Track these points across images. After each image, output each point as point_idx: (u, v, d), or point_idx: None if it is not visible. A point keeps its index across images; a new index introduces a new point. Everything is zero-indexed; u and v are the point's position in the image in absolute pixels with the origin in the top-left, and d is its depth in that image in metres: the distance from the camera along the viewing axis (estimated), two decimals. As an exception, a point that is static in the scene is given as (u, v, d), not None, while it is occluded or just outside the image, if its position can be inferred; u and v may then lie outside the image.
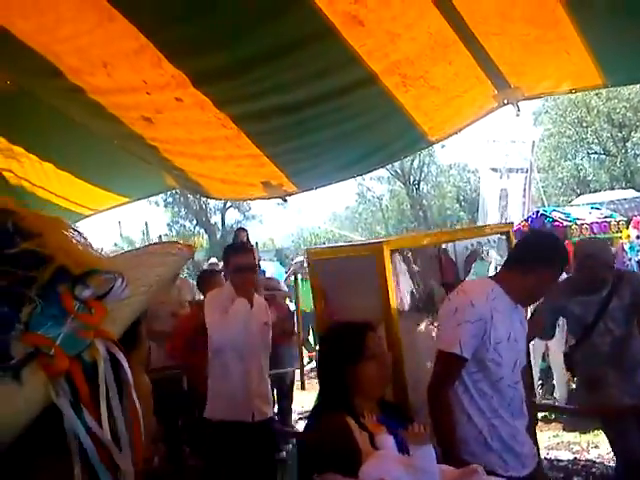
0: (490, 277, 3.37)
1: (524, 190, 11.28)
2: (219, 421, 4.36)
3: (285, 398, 7.38)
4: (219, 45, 3.49)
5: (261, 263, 14.61)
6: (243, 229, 9.06)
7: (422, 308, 4.03)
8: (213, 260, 14.42)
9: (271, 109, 4.14)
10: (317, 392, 3.08)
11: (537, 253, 3.05)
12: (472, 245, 4.52)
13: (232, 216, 35.69)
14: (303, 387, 9.00)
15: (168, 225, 36.14)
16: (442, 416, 2.93)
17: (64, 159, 5.90)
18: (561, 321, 7.07)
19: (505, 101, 4.17)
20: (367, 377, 2.64)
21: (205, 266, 15.27)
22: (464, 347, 2.87)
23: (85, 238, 0.89)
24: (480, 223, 12.42)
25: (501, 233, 4.63)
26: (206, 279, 6.31)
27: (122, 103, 4.23)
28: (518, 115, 4.26)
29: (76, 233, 0.89)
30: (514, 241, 4.29)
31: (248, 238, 8.06)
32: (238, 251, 4.69)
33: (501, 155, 11.61)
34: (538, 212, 7.92)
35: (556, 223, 7.44)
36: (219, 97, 3.97)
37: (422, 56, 3.74)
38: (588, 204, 10.55)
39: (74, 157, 5.86)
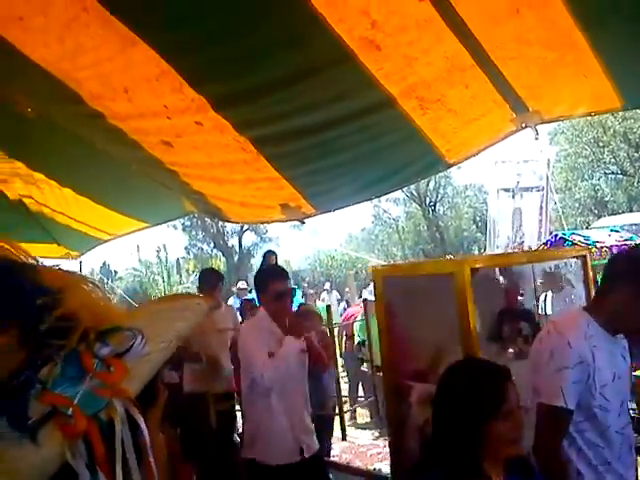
0: (583, 308, 2.96)
1: (540, 208, 11.22)
2: (268, 465, 4.10)
3: (326, 427, 7.00)
4: (239, 70, 3.53)
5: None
6: (273, 252, 8.75)
7: (490, 336, 3.80)
8: (242, 284, 14.46)
9: (290, 132, 4.18)
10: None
11: (623, 269, 2.72)
12: (550, 269, 4.29)
13: (249, 239, 35.96)
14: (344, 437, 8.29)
15: (186, 248, 36.41)
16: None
17: (83, 185, 5.97)
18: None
19: (523, 125, 4.17)
20: (502, 436, 2.18)
21: (234, 289, 15.28)
22: (568, 398, 2.55)
23: (104, 291, 0.90)
24: (489, 245, 12.37)
25: (577, 257, 4.31)
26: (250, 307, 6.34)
27: (142, 128, 4.28)
28: (537, 139, 4.26)
29: (94, 287, 0.89)
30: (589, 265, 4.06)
31: (276, 261, 7.99)
32: (277, 276, 4.42)
33: (512, 175, 11.58)
34: (557, 235, 7.87)
35: (575, 246, 7.38)
36: (239, 121, 4.00)
37: (439, 79, 3.75)
38: (607, 227, 10.47)
39: (93, 182, 5.92)
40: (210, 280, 6.60)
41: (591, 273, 6.87)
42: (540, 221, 11.17)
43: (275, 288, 4.26)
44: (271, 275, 4.50)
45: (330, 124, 4.07)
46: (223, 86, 3.73)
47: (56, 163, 5.51)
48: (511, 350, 3.78)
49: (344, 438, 8.14)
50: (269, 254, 8.21)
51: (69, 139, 4.82)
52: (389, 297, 3.80)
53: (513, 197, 11.61)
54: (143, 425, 0.80)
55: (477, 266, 3.45)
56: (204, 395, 5.70)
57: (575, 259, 4.30)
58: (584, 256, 4.25)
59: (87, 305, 0.83)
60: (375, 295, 4.13)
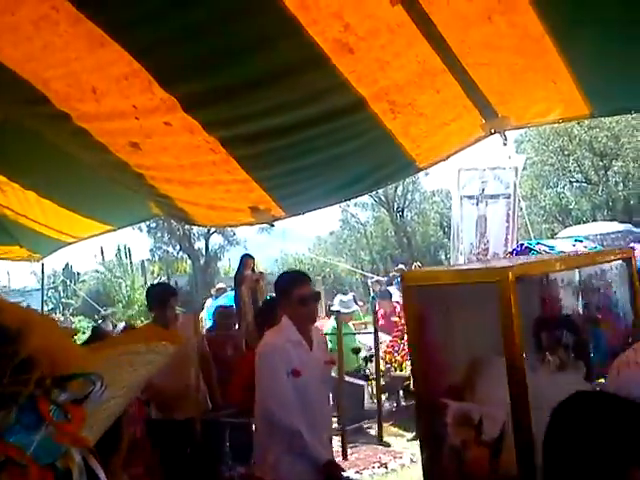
0: None
1: (507, 215, 11.31)
2: None
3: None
4: (211, 69, 3.50)
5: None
6: (250, 256, 8.39)
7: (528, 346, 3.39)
8: (220, 285, 14.40)
9: (261, 133, 4.14)
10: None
11: None
12: (596, 274, 4.04)
13: (216, 241, 35.69)
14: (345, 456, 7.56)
15: (151, 250, 36.02)
16: None
17: (47, 188, 5.89)
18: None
19: (492, 130, 4.20)
20: None
21: (213, 291, 15.03)
22: None
23: (64, 330, 0.85)
24: (452, 251, 12.45)
25: (623, 259, 4.11)
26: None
27: (110, 129, 4.21)
28: (505, 144, 4.29)
29: (53, 325, 0.84)
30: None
31: (254, 265, 7.86)
32: (302, 281, 4.20)
33: (476, 182, 11.66)
34: (523, 245, 7.90)
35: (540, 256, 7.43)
36: (209, 121, 3.95)
37: (410, 83, 3.76)
38: (572, 237, 10.59)
39: (57, 185, 5.84)
40: (160, 297, 5.86)
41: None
42: (507, 227, 11.26)
43: (300, 293, 4.05)
44: (295, 280, 4.25)
45: (301, 126, 4.05)
46: (194, 85, 3.69)
47: (19, 166, 5.42)
48: (552, 360, 3.48)
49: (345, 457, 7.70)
50: (247, 258, 8.01)
51: (33, 142, 4.75)
52: (421, 307, 3.46)
53: (477, 204, 11.69)
54: (102, 475, 0.75)
55: (522, 273, 3.20)
56: (172, 421, 5.55)
57: (620, 261, 4.10)
58: (628, 258, 4.05)
59: (46, 348, 0.78)
60: (405, 304, 3.83)
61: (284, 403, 3.84)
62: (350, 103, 3.83)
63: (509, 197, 11.36)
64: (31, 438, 0.72)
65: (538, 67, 3.64)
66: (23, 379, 0.76)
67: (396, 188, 32.35)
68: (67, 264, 31.43)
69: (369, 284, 14.58)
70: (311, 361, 3.97)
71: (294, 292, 4.06)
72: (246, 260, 7.76)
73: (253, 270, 7.32)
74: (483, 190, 11.61)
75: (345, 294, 12.62)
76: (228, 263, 38.80)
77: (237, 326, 7.80)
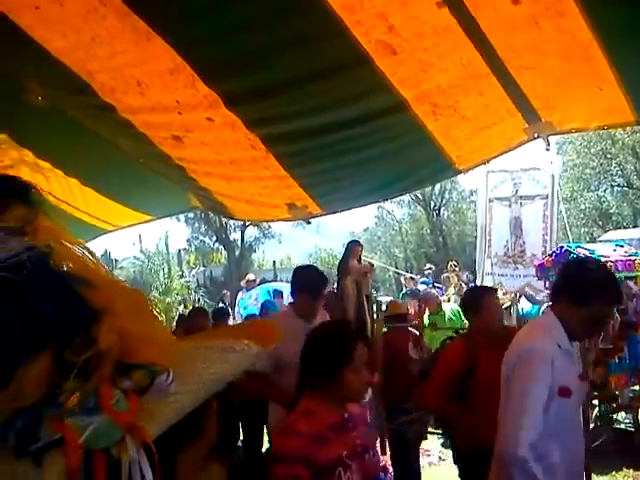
0: None
1: (544, 217, 11.15)
2: None
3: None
4: (253, 67, 3.51)
5: (279, 284, 14.64)
6: (358, 243, 7.13)
7: None
8: (251, 276, 14.40)
9: (301, 131, 4.17)
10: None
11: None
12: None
13: (251, 233, 35.85)
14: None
15: (188, 240, 36.34)
16: None
17: (89, 176, 5.96)
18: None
19: (535, 135, 4.15)
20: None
21: (243, 283, 14.98)
22: None
23: (150, 312, 0.86)
24: (479, 254, 12.29)
25: None
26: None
27: (153, 122, 4.27)
28: (548, 149, 4.25)
29: (141, 304, 0.85)
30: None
31: (361, 253, 6.79)
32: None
33: (509, 184, 11.53)
34: (562, 247, 7.82)
35: (579, 260, 7.35)
36: (250, 118, 3.99)
37: (453, 86, 3.74)
38: (613, 241, 10.44)
39: (99, 174, 5.92)
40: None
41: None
42: (544, 229, 11.10)
43: None
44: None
45: (341, 125, 4.06)
46: (236, 83, 3.72)
47: (63, 153, 5.50)
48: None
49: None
50: (354, 244, 6.80)
51: (77, 129, 4.81)
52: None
53: (510, 206, 11.55)
54: (147, 469, 0.76)
55: None
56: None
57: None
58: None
59: (123, 335, 0.80)
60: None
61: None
62: (392, 104, 3.82)
63: (546, 198, 11.18)
64: (90, 420, 0.73)
65: (584, 73, 3.59)
66: (94, 364, 0.78)
67: (434, 186, 32.12)
68: (106, 250, 31.88)
69: (402, 281, 14.50)
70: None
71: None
72: (353, 247, 6.54)
73: (360, 260, 6.26)
74: (517, 192, 11.46)
75: (377, 291, 12.61)
76: (262, 255, 39.04)
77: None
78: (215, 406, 0.93)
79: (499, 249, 11.62)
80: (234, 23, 3.19)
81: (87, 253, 0.88)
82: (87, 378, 0.76)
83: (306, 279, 4.33)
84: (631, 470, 6.24)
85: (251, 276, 14.82)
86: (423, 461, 7.26)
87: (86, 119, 4.67)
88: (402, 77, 3.59)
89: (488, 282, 11.11)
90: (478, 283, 11.64)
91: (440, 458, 7.27)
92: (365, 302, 5.97)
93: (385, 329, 6.23)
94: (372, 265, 7.30)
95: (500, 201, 11.71)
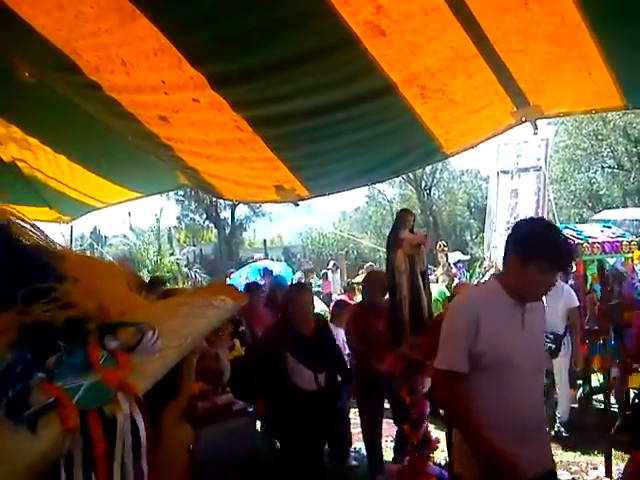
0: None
1: (537, 189, 11.17)
2: None
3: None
4: (240, 49, 3.47)
5: (268, 262, 14.67)
6: (409, 212, 5.96)
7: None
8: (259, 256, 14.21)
9: (288, 114, 4.13)
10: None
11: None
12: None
13: (241, 212, 35.80)
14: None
15: (178, 218, 36.25)
16: None
17: (78, 152, 5.93)
18: (566, 339, 7.07)
19: (524, 119, 4.14)
20: None
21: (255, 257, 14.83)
22: None
23: (127, 276, 0.88)
24: (487, 227, 12.37)
25: None
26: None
27: (139, 102, 4.23)
28: (536, 134, 4.24)
29: (113, 271, 0.87)
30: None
31: (414, 223, 5.69)
32: None
33: (512, 156, 11.54)
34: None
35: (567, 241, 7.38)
36: (236, 100, 3.95)
37: (442, 69, 3.71)
38: (603, 221, 10.48)
39: (88, 151, 5.89)
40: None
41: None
42: (537, 201, 11.11)
43: None
44: None
45: (329, 108, 4.02)
46: (222, 65, 3.68)
47: (52, 130, 5.47)
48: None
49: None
50: (405, 213, 5.80)
51: (66, 107, 4.77)
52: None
53: (511, 178, 11.59)
54: (142, 426, 0.78)
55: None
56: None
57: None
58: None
59: (99, 294, 0.81)
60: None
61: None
62: (380, 87, 3.79)
63: (539, 169, 11.19)
64: (79, 382, 0.74)
65: (573, 56, 3.57)
66: (76, 323, 0.79)
67: (424, 166, 32.13)
68: (95, 227, 31.82)
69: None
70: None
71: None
72: (404, 216, 5.61)
73: (412, 230, 5.46)
74: (517, 164, 11.50)
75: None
76: (253, 234, 39.03)
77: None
78: (193, 361, 0.95)
79: (502, 222, 11.67)
80: (220, 5, 3.16)
81: (39, 232, 0.89)
82: (71, 340, 0.77)
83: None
84: (613, 449, 6.32)
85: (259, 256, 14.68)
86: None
87: (74, 97, 4.63)
88: (390, 59, 3.56)
89: (492, 256, 11.18)
90: (486, 257, 11.69)
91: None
92: (421, 280, 5.21)
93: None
94: (426, 236, 6.01)
95: (504, 174, 11.75)
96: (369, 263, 13.46)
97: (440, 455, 5.40)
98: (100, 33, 3.46)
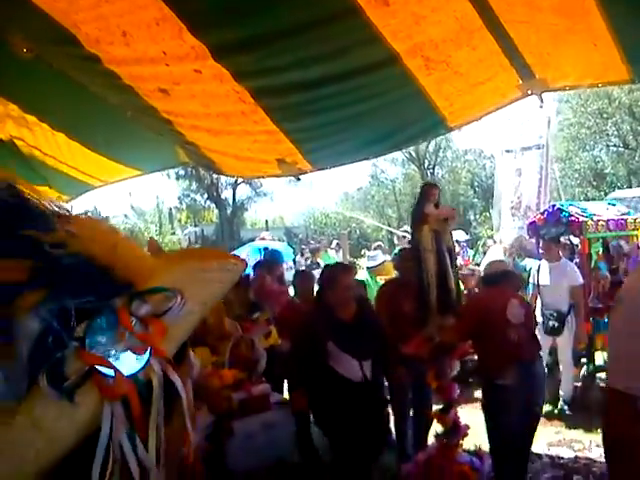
0: None
1: (540, 167, 11.12)
2: None
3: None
4: (241, 18, 3.42)
5: (268, 242, 14.64)
6: (435, 185, 5.65)
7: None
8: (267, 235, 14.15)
9: (290, 85, 4.08)
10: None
11: None
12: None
13: (243, 192, 35.71)
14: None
15: (179, 198, 36.19)
16: None
17: (76, 129, 5.88)
18: (570, 317, 7.06)
19: (529, 92, 4.10)
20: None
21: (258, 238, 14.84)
22: None
23: (136, 241, 0.89)
24: (494, 207, 12.35)
25: None
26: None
27: (139, 74, 4.17)
28: (541, 107, 4.19)
29: (131, 240, 0.87)
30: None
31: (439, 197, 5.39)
32: None
33: (515, 135, 11.50)
34: (554, 206, 7.81)
35: (572, 218, 7.34)
36: (238, 70, 3.89)
37: (446, 40, 3.66)
38: (606, 200, 10.44)
39: (86, 128, 5.83)
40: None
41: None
42: (540, 180, 11.06)
43: None
44: None
45: (332, 79, 3.97)
46: (224, 34, 3.62)
47: (49, 107, 5.41)
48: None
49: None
50: (430, 187, 5.44)
51: (64, 83, 4.71)
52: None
53: (515, 157, 11.57)
54: (180, 386, 0.79)
55: None
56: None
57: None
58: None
59: (123, 258, 0.82)
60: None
61: None
62: (383, 58, 3.74)
63: (542, 147, 11.13)
64: (113, 349, 0.75)
65: (579, 28, 3.51)
66: (103, 288, 0.79)
67: (428, 145, 32.05)
68: (95, 207, 31.79)
69: (395, 241, 14.50)
70: None
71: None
72: (429, 190, 5.31)
73: (437, 205, 5.17)
74: (520, 142, 11.46)
75: (370, 250, 12.60)
76: (255, 214, 38.99)
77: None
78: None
79: (507, 202, 11.66)
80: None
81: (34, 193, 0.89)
82: (100, 307, 0.77)
83: None
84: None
85: (267, 234, 14.68)
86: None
87: (72, 71, 4.57)
88: (394, 29, 3.50)
89: (498, 237, 11.18)
90: (496, 237, 11.68)
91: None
92: (447, 257, 4.98)
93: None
94: (454, 209, 5.78)
95: (508, 153, 11.72)
96: (377, 242, 13.37)
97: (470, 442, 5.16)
98: (100, 3, 3.41)
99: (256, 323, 5.28)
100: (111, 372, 0.71)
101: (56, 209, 0.89)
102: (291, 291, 7.14)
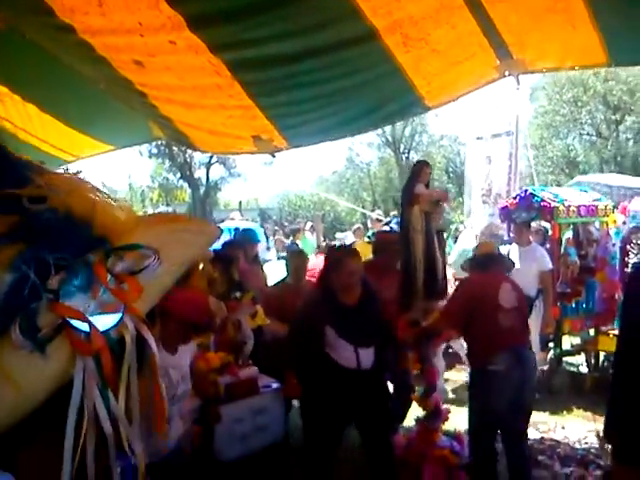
0: None
1: (509, 154, 11.19)
2: None
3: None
4: (218, -12, 3.37)
5: (240, 223, 14.55)
6: (427, 163, 5.32)
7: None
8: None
9: (267, 58, 4.01)
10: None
11: None
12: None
13: (217, 172, 35.34)
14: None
15: (151, 177, 35.77)
16: None
17: (49, 102, 5.76)
18: (538, 302, 7.13)
19: (506, 73, 4.11)
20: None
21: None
22: None
23: (113, 200, 0.87)
24: (466, 195, 12.41)
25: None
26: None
27: (114, 45, 4.09)
28: (518, 89, 4.20)
29: (106, 196, 0.86)
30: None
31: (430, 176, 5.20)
32: None
33: (485, 122, 11.55)
34: (527, 190, 7.85)
35: (544, 203, 7.39)
36: (214, 42, 3.83)
37: (426, 17, 3.64)
38: (579, 184, 10.53)
39: (59, 101, 5.72)
40: None
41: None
42: (510, 167, 11.13)
43: None
44: None
45: (309, 53, 3.93)
46: (201, 5, 3.56)
47: (21, 78, 5.29)
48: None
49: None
50: (422, 165, 5.21)
51: (37, 54, 4.61)
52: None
53: (485, 144, 11.64)
54: (153, 344, 0.78)
55: None
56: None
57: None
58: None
59: (100, 213, 0.81)
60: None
61: None
62: (362, 33, 3.71)
63: (511, 135, 11.20)
64: (87, 303, 0.74)
65: (558, 9, 3.52)
66: (78, 241, 0.78)
67: (404, 129, 32.06)
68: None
69: (369, 224, 14.53)
70: None
71: None
72: (421, 168, 5.06)
73: (427, 185, 4.97)
74: (490, 130, 11.52)
75: (343, 232, 12.62)
76: (228, 195, 38.74)
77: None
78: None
79: (478, 189, 11.73)
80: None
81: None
82: (75, 258, 0.76)
83: None
84: (581, 410, 6.44)
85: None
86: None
87: (45, 42, 4.47)
88: (374, 5, 3.48)
89: (469, 222, 11.25)
90: (467, 223, 11.74)
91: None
92: (436, 240, 4.86)
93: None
94: (446, 191, 5.34)
95: (479, 140, 11.77)
96: (357, 225, 13.34)
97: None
98: (75, -29, 3.33)
99: (241, 302, 5.07)
100: (84, 327, 0.70)
101: (34, 164, 0.88)
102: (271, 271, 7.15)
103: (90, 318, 0.71)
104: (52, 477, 0.72)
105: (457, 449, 4.78)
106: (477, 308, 4.48)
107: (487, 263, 4.77)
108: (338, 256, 4.38)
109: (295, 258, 5.99)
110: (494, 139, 11.41)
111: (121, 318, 0.74)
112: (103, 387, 0.71)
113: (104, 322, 0.72)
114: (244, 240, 7.14)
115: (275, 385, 4.80)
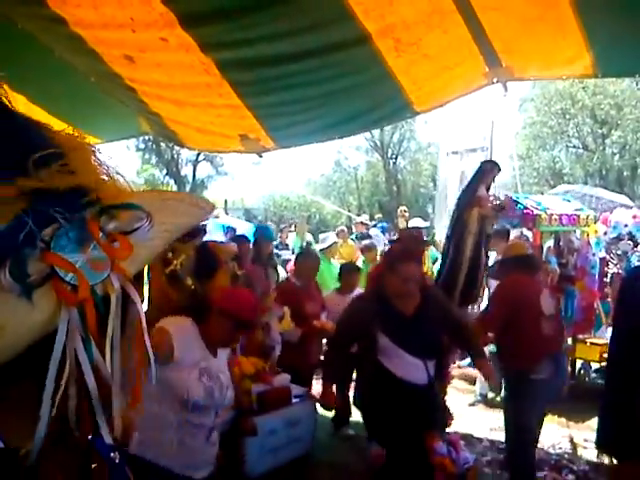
0: None
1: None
2: None
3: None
4: (211, -13, 3.38)
5: (231, 219, 14.51)
6: (496, 164, 5.23)
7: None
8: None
9: (258, 59, 4.02)
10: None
11: None
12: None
13: (204, 170, 35.21)
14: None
15: (137, 172, 35.57)
16: None
17: (37, 93, 5.72)
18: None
19: (495, 80, 4.13)
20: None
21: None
22: None
23: (113, 167, 0.88)
24: (437, 209, 12.41)
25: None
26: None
27: (105, 39, 4.09)
28: (505, 96, 4.23)
29: (104, 159, 0.87)
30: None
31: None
32: None
33: (461, 136, 11.60)
34: (510, 197, 7.91)
35: (527, 210, 7.44)
36: (205, 41, 3.84)
37: (418, 22, 3.66)
38: (561, 193, 10.61)
39: (48, 92, 5.68)
40: None
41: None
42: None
43: None
44: None
45: (300, 55, 3.94)
46: (193, 3, 3.57)
47: (12, 67, 5.26)
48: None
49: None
50: (490, 165, 4.96)
51: (28, 43, 4.59)
52: None
53: (461, 159, 11.67)
54: (139, 303, 0.79)
55: None
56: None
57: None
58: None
59: (94, 172, 0.83)
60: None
61: None
62: (354, 36, 3.72)
63: (486, 150, 11.25)
64: (78, 255, 0.75)
65: (548, 18, 3.55)
66: (74, 196, 0.79)
67: (392, 134, 32.10)
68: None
69: (353, 228, 14.55)
70: None
71: None
72: (490, 169, 4.78)
73: (488, 188, 4.67)
74: (465, 145, 11.57)
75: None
76: (214, 194, 38.57)
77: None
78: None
79: (452, 204, 11.75)
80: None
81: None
82: (70, 211, 0.77)
83: None
84: (555, 416, 6.48)
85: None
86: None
87: (37, 32, 4.45)
88: (367, 8, 3.49)
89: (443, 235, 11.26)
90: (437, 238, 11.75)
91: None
92: (484, 244, 4.72)
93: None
94: (507, 196, 5.34)
95: (455, 155, 11.79)
96: (341, 227, 13.36)
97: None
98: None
99: (267, 304, 4.80)
100: (71, 277, 0.71)
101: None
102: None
103: (80, 267, 0.74)
104: (24, 429, 0.74)
105: (454, 456, 4.69)
106: (518, 313, 4.33)
107: (523, 265, 4.55)
108: (396, 259, 3.87)
109: (306, 259, 5.92)
110: (469, 154, 11.44)
111: (107, 275, 0.75)
112: (87, 340, 0.73)
113: (90, 276, 0.75)
114: (259, 238, 6.95)
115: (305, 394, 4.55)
